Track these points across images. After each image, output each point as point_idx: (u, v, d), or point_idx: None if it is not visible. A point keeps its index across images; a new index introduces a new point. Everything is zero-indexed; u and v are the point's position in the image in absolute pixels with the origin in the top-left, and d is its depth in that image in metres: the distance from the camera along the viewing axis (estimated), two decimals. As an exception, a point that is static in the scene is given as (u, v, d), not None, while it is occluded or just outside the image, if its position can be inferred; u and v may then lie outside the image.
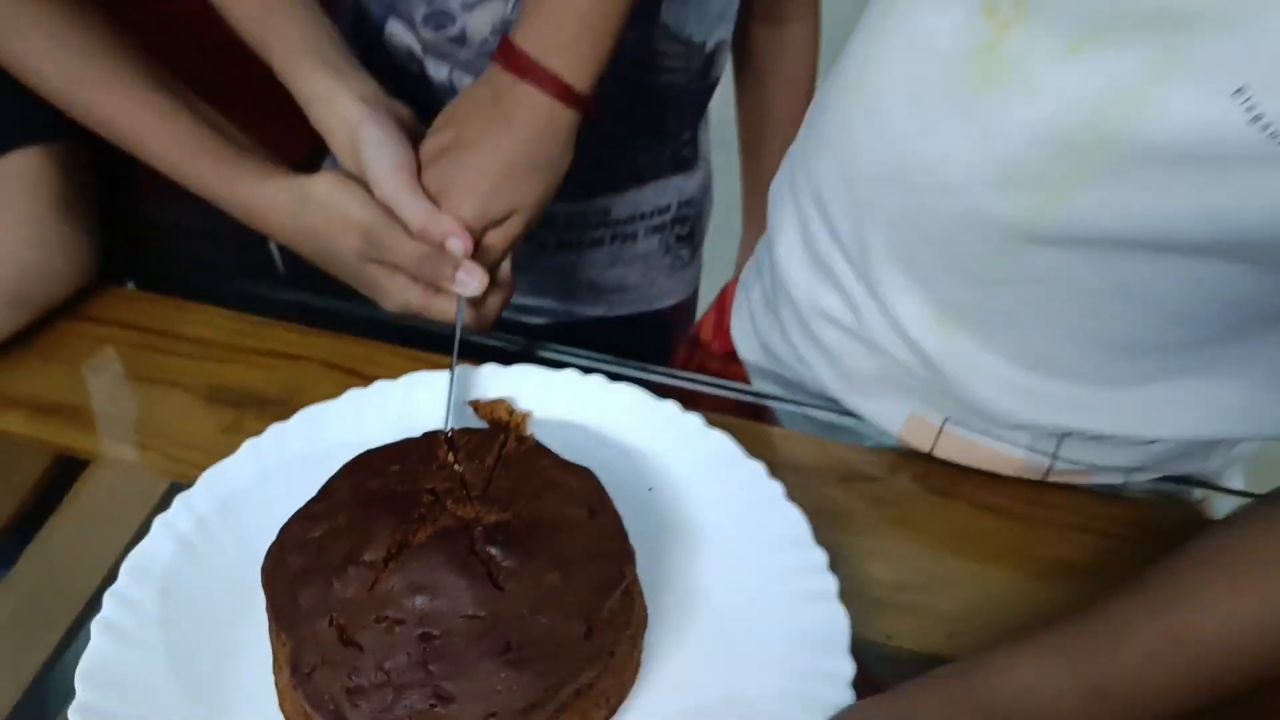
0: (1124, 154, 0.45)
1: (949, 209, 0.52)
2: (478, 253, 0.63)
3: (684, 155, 0.88)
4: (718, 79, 0.85)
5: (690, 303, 0.99)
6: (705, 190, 0.94)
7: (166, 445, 0.64)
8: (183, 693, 0.47)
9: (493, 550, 0.45)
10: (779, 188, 0.68)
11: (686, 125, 0.87)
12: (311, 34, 0.64)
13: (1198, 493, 0.64)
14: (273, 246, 0.89)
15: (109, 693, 0.47)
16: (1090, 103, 0.45)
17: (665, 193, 0.89)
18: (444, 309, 0.64)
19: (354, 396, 0.61)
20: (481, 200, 0.63)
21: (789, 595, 0.50)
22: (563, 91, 0.61)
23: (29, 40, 0.62)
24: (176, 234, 0.85)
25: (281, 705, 0.48)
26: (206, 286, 0.75)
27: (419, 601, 0.44)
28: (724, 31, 0.81)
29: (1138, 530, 0.60)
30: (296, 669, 0.44)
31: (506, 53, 0.62)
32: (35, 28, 0.62)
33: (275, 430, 0.59)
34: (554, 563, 0.45)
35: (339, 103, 0.62)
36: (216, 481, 0.56)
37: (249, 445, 0.58)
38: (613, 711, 0.47)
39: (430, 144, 0.64)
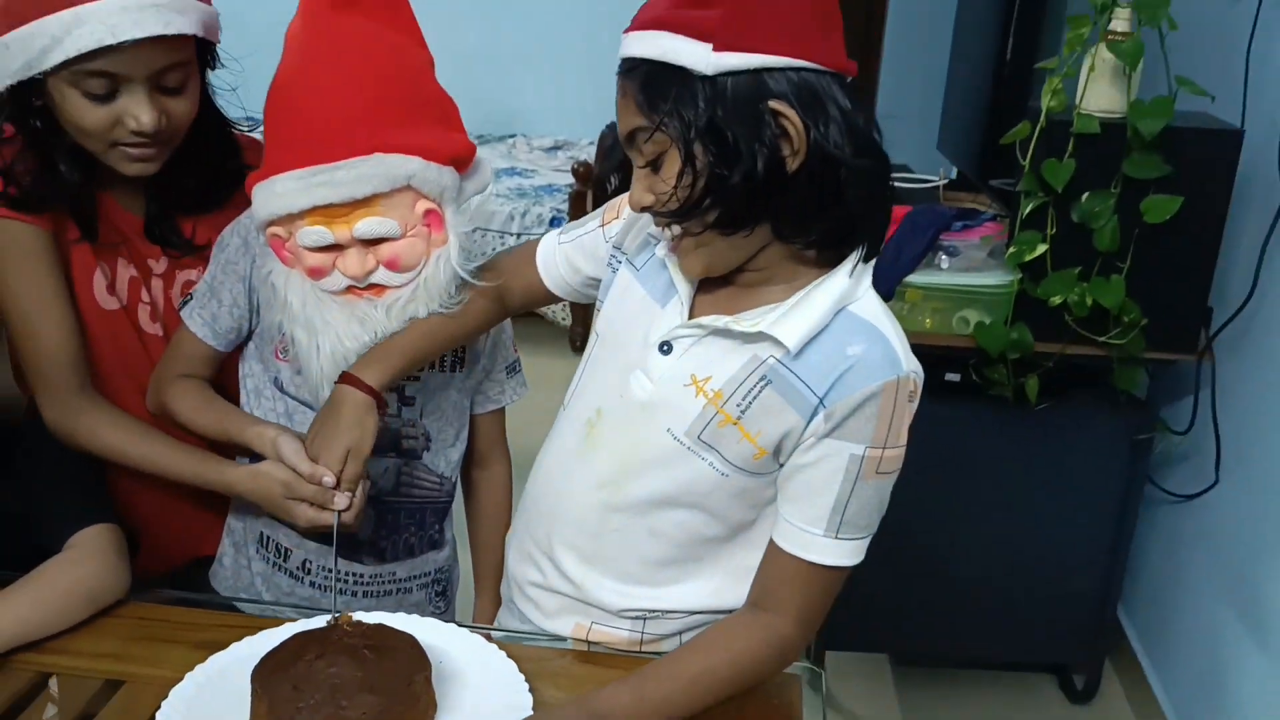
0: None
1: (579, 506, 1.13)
2: (341, 484, 1.17)
3: (436, 538, 1.42)
4: (453, 495, 1.42)
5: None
6: (453, 560, 1.49)
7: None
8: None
9: (366, 651, 0.98)
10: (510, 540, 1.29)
11: (437, 521, 1.41)
12: (241, 413, 1.31)
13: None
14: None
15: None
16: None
17: (428, 562, 1.42)
18: (329, 519, 1.18)
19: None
20: (330, 452, 1.16)
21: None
22: (354, 382, 1.16)
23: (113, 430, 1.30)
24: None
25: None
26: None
27: (333, 670, 0.96)
28: (458, 472, 1.42)
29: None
30: (270, 713, 0.93)
31: (343, 379, 1.18)
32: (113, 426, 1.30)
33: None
34: (393, 658, 0.99)
35: (267, 429, 1.24)
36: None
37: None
38: None
39: (307, 436, 1.21)
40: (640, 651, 1.14)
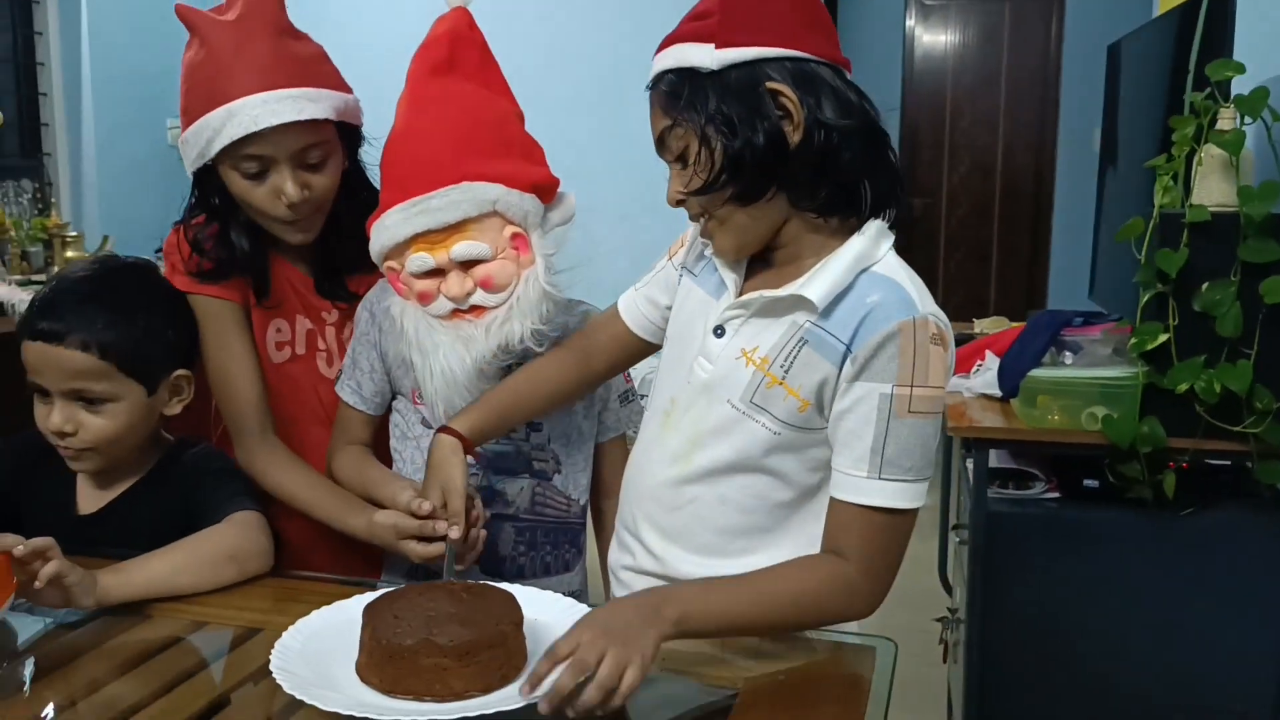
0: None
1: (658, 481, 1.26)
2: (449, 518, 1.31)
3: (569, 560, 1.54)
4: (583, 518, 1.55)
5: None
6: (583, 586, 1.59)
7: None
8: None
9: (464, 594, 1.11)
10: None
11: (570, 543, 1.53)
12: (384, 475, 1.46)
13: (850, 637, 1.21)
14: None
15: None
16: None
17: (561, 584, 1.50)
18: (436, 550, 1.30)
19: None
20: (428, 490, 1.31)
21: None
22: (445, 429, 1.32)
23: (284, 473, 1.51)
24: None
25: (358, 670, 1.06)
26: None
27: (430, 604, 1.09)
28: (587, 495, 1.54)
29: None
30: (373, 637, 1.04)
31: (439, 429, 1.34)
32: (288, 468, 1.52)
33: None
34: (486, 602, 1.10)
35: (394, 483, 1.39)
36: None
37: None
38: (507, 680, 1.04)
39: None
40: None
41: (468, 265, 1.34)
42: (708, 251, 1.25)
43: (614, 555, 1.34)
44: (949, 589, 3.03)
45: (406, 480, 1.42)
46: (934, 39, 5.96)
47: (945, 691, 2.68)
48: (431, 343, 1.36)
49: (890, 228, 1.16)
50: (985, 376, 2.32)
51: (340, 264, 1.56)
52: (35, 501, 1.41)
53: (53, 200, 4.46)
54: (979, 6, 5.86)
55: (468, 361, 1.35)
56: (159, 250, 1.56)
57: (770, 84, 1.10)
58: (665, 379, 1.29)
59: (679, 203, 1.18)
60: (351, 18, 4.83)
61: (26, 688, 1.09)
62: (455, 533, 1.29)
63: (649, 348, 1.39)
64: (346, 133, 1.51)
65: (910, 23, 5.95)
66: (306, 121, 1.40)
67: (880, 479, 1.10)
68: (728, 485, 1.20)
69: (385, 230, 1.35)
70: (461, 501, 1.30)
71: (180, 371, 1.41)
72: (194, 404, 1.48)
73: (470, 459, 1.35)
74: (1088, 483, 2.21)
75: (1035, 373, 2.11)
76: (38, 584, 1.14)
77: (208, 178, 1.47)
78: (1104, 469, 2.16)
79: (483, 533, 1.33)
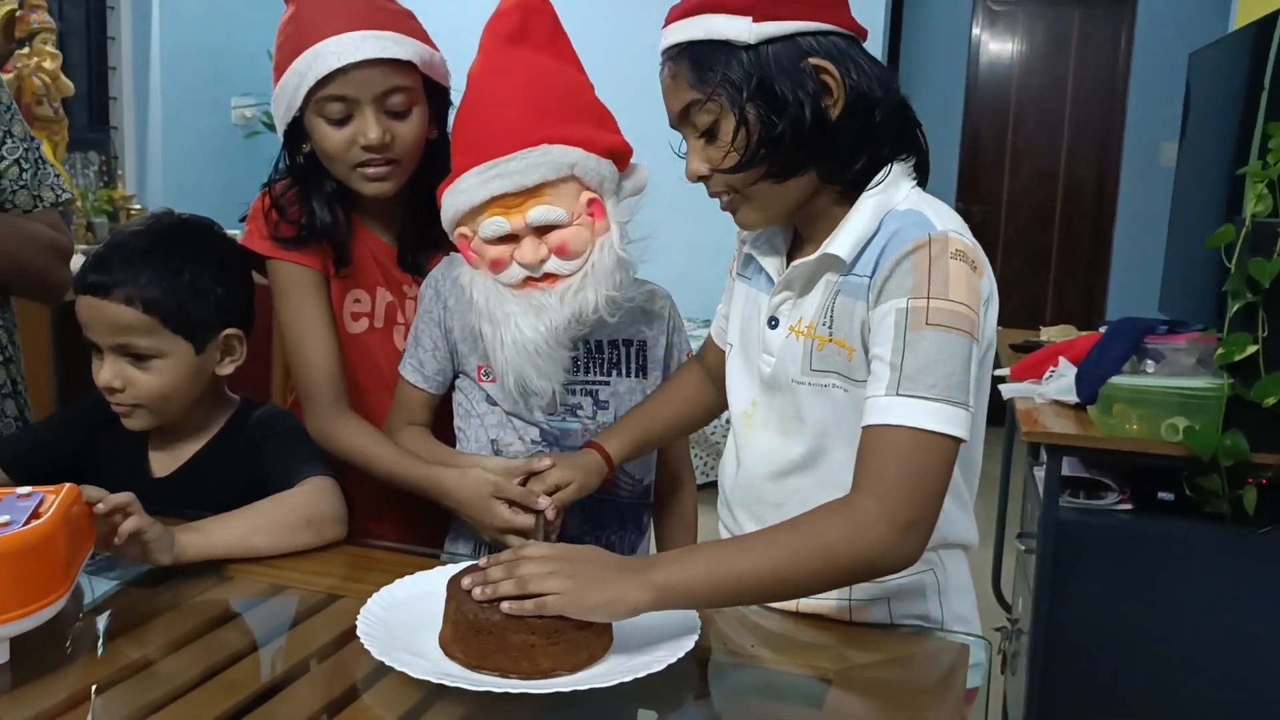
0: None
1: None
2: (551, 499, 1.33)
3: (634, 541, 1.54)
4: (651, 500, 1.56)
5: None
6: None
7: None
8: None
9: None
10: None
11: (635, 524, 1.54)
12: (452, 452, 1.48)
13: (938, 634, 1.16)
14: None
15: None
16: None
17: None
18: (525, 521, 1.32)
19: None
20: (557, 472, 1.34)
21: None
22: (596, 448, 1.38)
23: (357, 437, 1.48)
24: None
25: (441, 643, 1.04)
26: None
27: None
28: (652, 476, 1.56)
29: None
30: (459, 610, 1.02)
31: (587, 444, 1.40)
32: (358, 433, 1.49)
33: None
34: None
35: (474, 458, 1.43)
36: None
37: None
38: (594, 659, 1.01)
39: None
40: (850, 621, 1.16)
41: (542, 231, 1.32)
42: (746, 248, 1.24)
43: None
44: (1002, 599, 2.98)
45: (478, 456, 1.40)
46: (1000, 45, 5.88)
47: (1001, 703, 2.63)
48: (503, 312, 1.34)
49: (915, 173, 1.14)
50: (1059, 382, 2.27)
51: (425, 237, 1.54)
52: (108, 466, 1.41)
53: (119, 173, 4.50)
54: (1048, 12, 5.77)
55: (540, 330, 1.32)
56: (242, 218, 1.55)
57: (813, 59, 1.07)
58: (738, 383, 1.26)
59: (701, 178, 1.15)
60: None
61: (101, 646, 1.08)
62: (551, 513, 1.31)
63: None
64: (434, 96, 1.49)
65: (976, 29, 5.87)
66: (390, 63, 1.39)
67: (898, 395, 1.01)
68: (827, 466, 1.16)
69: (460, 194, 1.33)
70: (572, 499, 1.34)
71: (231, 330, 1.39)
72: (254, 370, 1.46)
73: (535, 439, 1.38)
74: (1162, 495, 2.15)
75: (1115, 380, 2.06)
76: (117, 539, 1.13)
77: (296, 136, 1.46)
78: (1180, 481, 2.11)
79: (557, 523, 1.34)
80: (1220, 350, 1.96)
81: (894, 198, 1.11)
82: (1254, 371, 1.94)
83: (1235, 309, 1.95)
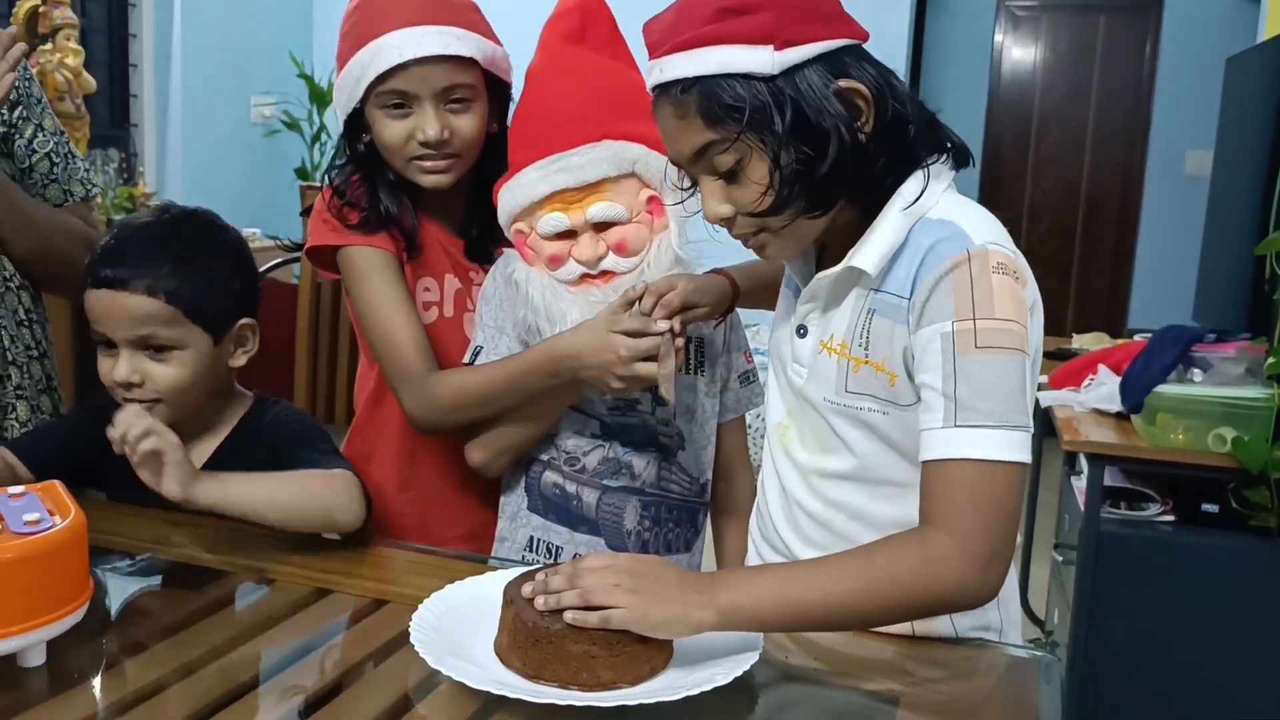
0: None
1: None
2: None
3: (690, 539, 1.48)
4: (709, 499, 1.50)
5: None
6: (700, 559, 1.52)
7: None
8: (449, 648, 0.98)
9: None
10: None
11: (692, 522, 1.48)
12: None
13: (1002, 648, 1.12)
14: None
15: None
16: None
17: (681, 564, 1.39)
18: (650, 372, 1.24)
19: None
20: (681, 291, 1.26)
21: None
22: (723, 274, 1.33)
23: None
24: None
25: (497, 651, 1.00)
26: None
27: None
28: (710, 474, 1.48)
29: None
30: (517, 618, 0.98)
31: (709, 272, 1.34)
32: None
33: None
34: None
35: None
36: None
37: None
38: (655, 672, 0.97)
39: None
40: (913, 635, 1.10)
41: (601, 228, 1.30)
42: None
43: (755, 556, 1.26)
44: (1031, 613, 2.93)
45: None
46: (1024, 51, 5.84)
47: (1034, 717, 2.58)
48: (559, 310, 1.32)
49: (952, 166, 1.08)
50: (1099, 391, 2.23)
51: (490, 227, 1.49)
52: (123, 466, 1.37)
53: (139, 170, 4.48)
54: (1072, 20, 5.73)
55: None
56: (304, 211, 1.51)
57: (841, 81, 1.00)
58: (775, 393, 1.22)
59: (725, 219, 1.06)
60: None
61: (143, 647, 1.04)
62: (678, 336, 1.25)
63: None
64: (495, 91, 1.47)
65: (999, 36, 5.84)
66: (452, 59, 1.37)
67: (956, 426, 0.96)
68: (873, 479, 1.11)
69: (519, 189, 1.31)
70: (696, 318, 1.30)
71: (245, 320, 1.37)
72: (276, 371, 1.42)
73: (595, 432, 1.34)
74: (1206, 507, 2.11)
75: (1161, 389, 2.02)
76: (135, 456, 1.11)
77: (357, 126, 1.45)
78: (1225, 493, 2.07)
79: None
80: (1271, 360, 1.92)
81: (924, 203, 1.04)
82: (1305, 382, 1.91)
83: (1287, 317, 1.91)
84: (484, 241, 1.51)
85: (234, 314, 1.36)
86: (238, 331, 1.37)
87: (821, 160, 0.99)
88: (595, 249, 1.30)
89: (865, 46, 1.05)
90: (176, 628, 1.07)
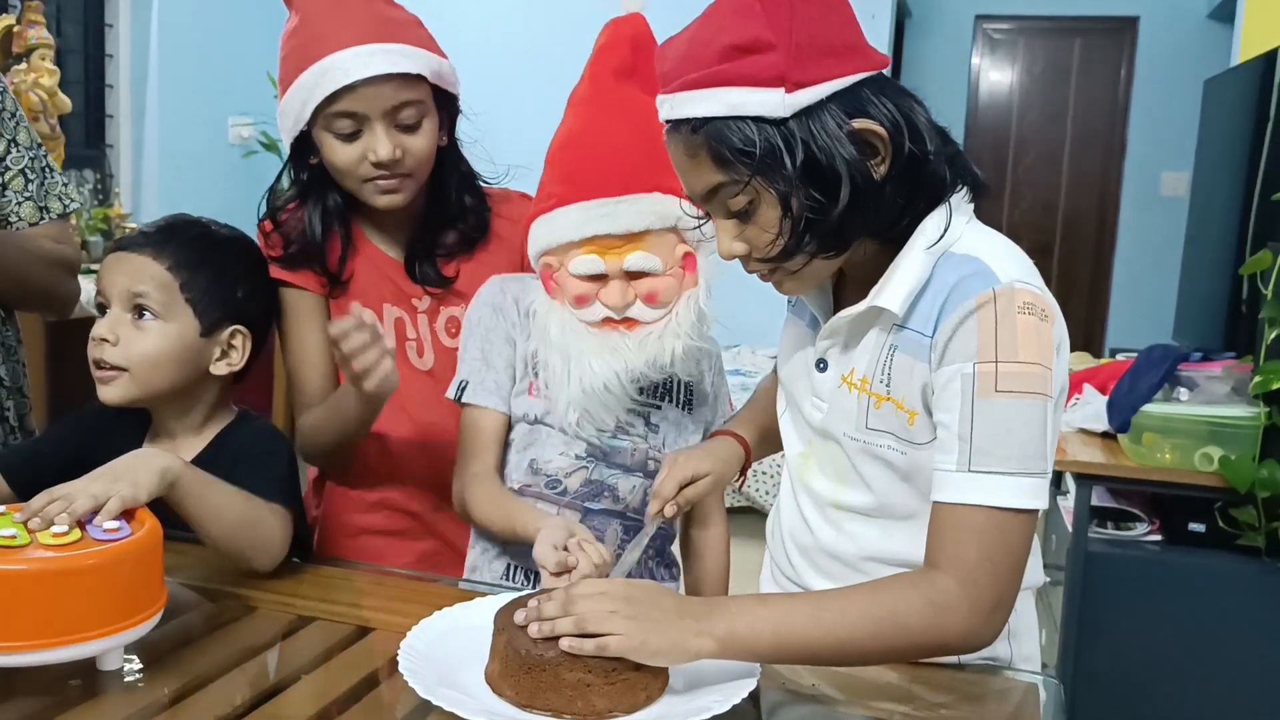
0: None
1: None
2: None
3: (669, 563, 1.48)
4: (676, 529, 1.47)
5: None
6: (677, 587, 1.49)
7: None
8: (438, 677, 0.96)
9: None
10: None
11: (657, 550, 1.45)
12: (528, 510, 1.31)
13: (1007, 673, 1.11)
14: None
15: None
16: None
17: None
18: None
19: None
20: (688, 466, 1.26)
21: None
22: (731, 435, 1.32)
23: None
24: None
25: (488, 679, 0.98)
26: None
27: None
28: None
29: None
30: (509, 645, 0.95)
31: (717, 432, 1.35)
32: None
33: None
34: None
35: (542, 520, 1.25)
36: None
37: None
38: (650, 700, 0.95)
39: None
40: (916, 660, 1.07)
41: (633, 276, 1.30)
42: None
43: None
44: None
45: (548, 516, 1.29)
46: (1000, 74, 5.89)
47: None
48: (577, 348, 1.31)
49: (971, 198, 1.05)
50: (1085, 410, 2.23)
51: (433, 246, 1.48)
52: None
53: (115, 191, 4.43)
54: (1049, 42, 5.78)
55: (614, 371, 1.30)
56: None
57: (857, 123, 0.96)
58: (791, 426, 1.20)
59: (737, 256, 1.04)
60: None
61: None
62: (671, 509, 1.26)
63: None
64: (443, 102, 1.44)
65: (976, 58, 5.88)
66: (400, 78, 1.34)
67: (971, 471, 0.95)
68: (889, 516, 1.09)
69: (557, 225, 1.30)
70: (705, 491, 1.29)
71: (238, 327, 1.35)
72: (255, 382, 1.42)
73: (580, 454, 1.33)
74: (1193, 527, 2.11)
75: (1148, 408, 2.02)
76: None
77: (303, 150, 1.42)
78: (1212, 512, 2.06)
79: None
80: (1257, 378, 1.92)
81: (948, 238, 1.01)
82: (1291, 400, 1.91)
83: (1272, 336, 1.91)
84: (428, 259, 1.48)
85: (229, 314, 1.34)
86: (228, 336, 1.34)
87: (834, 205, 0.97)
88: (625, 296, 1.30)
89: None
90: (153, 660, 1.03)
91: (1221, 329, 2.59)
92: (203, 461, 1.34)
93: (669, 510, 1.24)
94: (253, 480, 1.28)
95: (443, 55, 1.42)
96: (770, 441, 1.31)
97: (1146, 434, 2.02)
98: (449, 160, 1.46)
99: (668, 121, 1.02)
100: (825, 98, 0.96)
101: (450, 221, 1.49)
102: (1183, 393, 2.03)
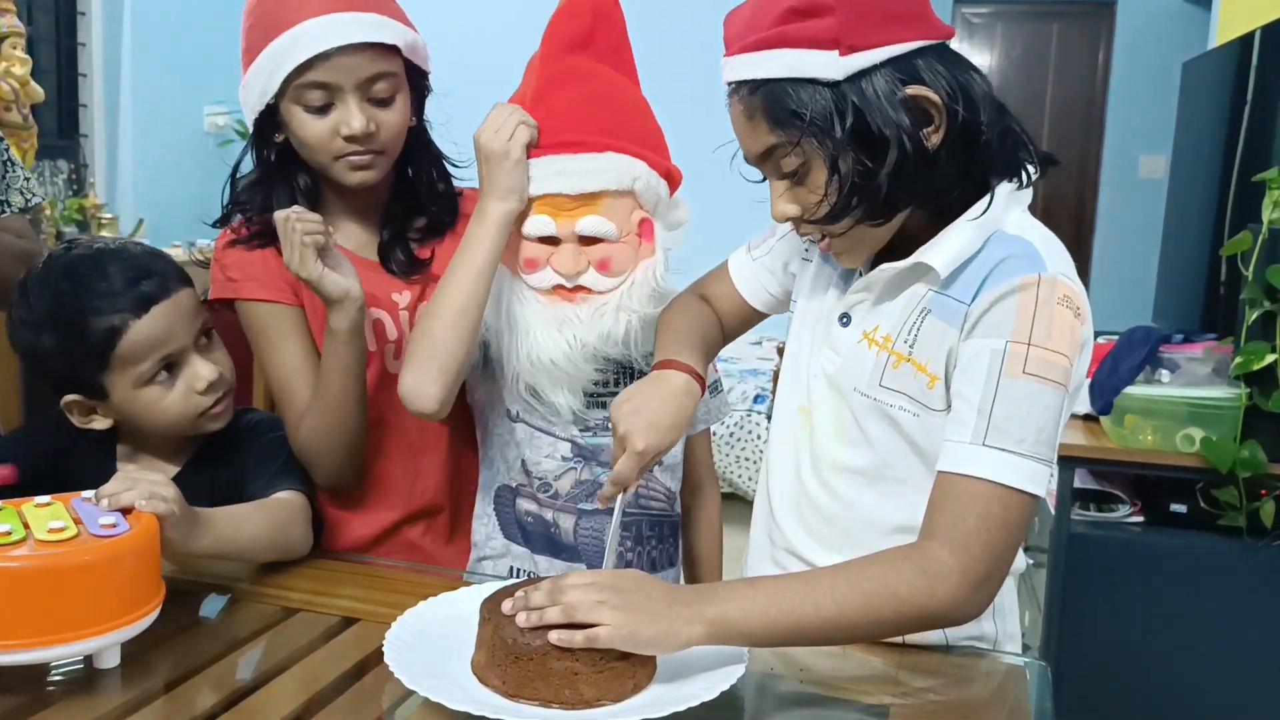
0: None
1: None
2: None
3: (671, 554, 1.44)
4: (679, 511, 1.45)
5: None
6: (679, 573, 1.48)
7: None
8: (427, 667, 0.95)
9: None
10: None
11: (672, 537, 1.44)
12: None
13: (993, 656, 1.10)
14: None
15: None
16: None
17: (665, 579, 1.35)
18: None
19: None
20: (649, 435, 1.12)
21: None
22: (677, 366, 1.16)
23: None
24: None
25: (475, 669, 0.97)
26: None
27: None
28: (678, 487, 1.43)
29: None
30: (496, 635, 0.94)
31: (660, 365, 1.17)
32: None
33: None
34: None
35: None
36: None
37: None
38: (639, 689, 0.94)
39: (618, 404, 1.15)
40: (904, 643, 1.07)
41: (586, 241, 1.25)
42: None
43: (762, 572, 1.20)
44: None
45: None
46: (979, 58, 5.89)
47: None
48: (523, 319, 1.27)
49: (1023, 186, 1.04)
50: (1067, 393, 2.23)
51: (407, 230, 1.43)
52: (78, 481, 1.32)
53: (89, 181, 4.39)
54: (1027, 26, 5.79)
55: (562, 345, 1.25)
56: (193, 244, 1.45)
57: (911, 90, 0.97)
58: (794, 375, 1.18)
59: (790, 219, 1.06)
60: None
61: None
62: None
63: (758, 317, 1.29)
64: (414, 81, 1.39)
65: (954, 43, 5.87)
66: (375, 48, 1.29)
67: (985, 445, 0.95)
68: (889, 482, 1.09)
69: None
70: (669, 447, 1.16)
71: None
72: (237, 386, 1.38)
73: (566, 455, 1.30)
74: (1175, 508, 2.12)
75: (1130, 390, 2.03)
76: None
77: (268, 127, 1.35)
78: (1193, 493, 2.08)
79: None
80: (1238, 359, 1.93)
81: (1002, 217, 1.02)
82: (1272, 381, 1.92)
83: (1253, 317, 1.92)
84: (401, 245, 1.43)
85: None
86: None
87: (880, 169, 0.97)
88: (577, 263, 1.25)
89: None
90: (142, 651, 1.02)
91: (1200, 310, 2.61)
92: (200, 461, 1.33)
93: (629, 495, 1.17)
94: (263, 472, 1.27)
95: (414, 29, 1.37)
96: (709, 357, 1.25)
97: (1128, 416, 2.02)
98: (418, 141, 1.41)
99: (729, 84, 1.02)
100: (880, 62, 0.96)
101: (420, 206, 1.43)
102: (1164, 374, 2.04)
